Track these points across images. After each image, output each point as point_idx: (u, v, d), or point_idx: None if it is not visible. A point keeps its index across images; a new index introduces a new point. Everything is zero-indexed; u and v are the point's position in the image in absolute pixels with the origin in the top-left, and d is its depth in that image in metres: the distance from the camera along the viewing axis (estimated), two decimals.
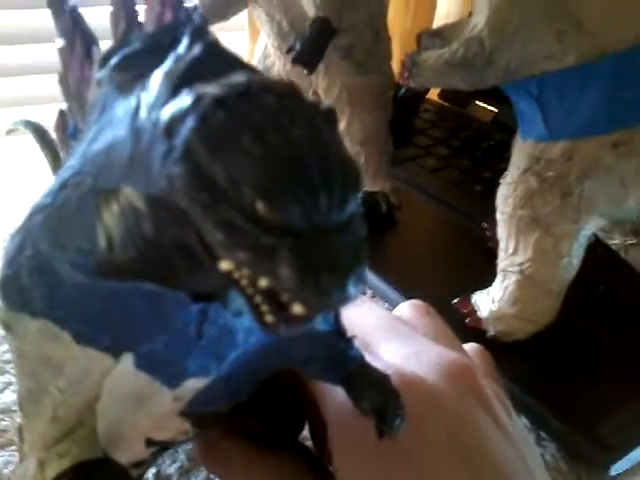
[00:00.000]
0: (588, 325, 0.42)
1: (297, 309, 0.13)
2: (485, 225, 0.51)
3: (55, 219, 0.18)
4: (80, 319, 0.19)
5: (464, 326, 0.41)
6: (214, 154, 0.13)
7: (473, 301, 0.42)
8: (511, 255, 0.39)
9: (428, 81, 0.40)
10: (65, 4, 0.21)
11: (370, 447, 0.22)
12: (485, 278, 0.43)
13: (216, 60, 0.16)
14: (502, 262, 0.40)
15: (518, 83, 0.37)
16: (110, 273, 0.17)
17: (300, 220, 0.13)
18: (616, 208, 0.37)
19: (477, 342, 0.31)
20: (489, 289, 0.42)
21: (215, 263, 0.14)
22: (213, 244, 0.14)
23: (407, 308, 0.31)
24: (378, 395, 0.21)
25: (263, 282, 0.14)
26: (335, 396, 0.23)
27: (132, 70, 0.17)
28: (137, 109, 0.16)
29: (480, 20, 0.35)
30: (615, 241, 0.41)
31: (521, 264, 0.39)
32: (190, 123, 0.14)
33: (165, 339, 0.18)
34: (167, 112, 0.14)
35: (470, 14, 0.39)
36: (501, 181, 0.40)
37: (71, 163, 0.18)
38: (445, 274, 0.48)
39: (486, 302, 0.41)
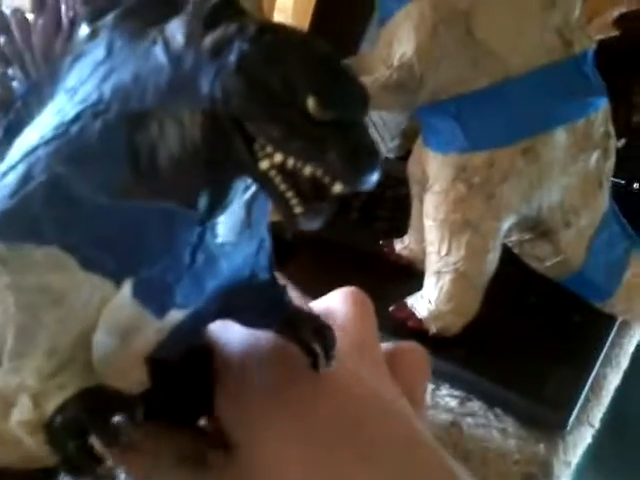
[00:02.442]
0: (510, 313, 0.48)
1: (338, 188, 0.17)
2: (382, 243, 0.56)
3: (73, 147, 0.19)
4: (90, 243, 0.19)
5: (407, 329, 0.45)
6: (268, 64, 0.17)
7: (409, 305, 0.46)
8: (444, 256, 0.44)
9: None
10: None
11: (255, 394, 0.24)
12: (401, 287, 0.48)
13: (231, 8, 0.19)
14: (435, 265, 0.45)
15: (437, 104, 0.42)
16: (131, 192, 0.19)
17: (342, 114, 0.17)
18: (525, 206, 0.44)
19: (421, 341, 0.31)
20: (422, 292, 0.46)
21: (256, 163, 0.17)
22: (267, 140, 0.17)
23: (336, 295, 0.30)
24: (316, 331, 0.23)
25: (308, 169, 0.17)
26: (225, 349, 0.25)
27: (140, 19, 0.20)
28: (166, 44, 0.19)
29: (407, 49, 0.40)
30: (513, 238, 0.48)
31: (455, 263, 0.43)
32: (240, 44, 0.17)
33: (164, 264, 0.20)
34: (211, 40, 0.18)
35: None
36: (425, 194, 0.45)
37: (71, 102, 0.20)
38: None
39: (422, 304, 0.45)
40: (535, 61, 0.41)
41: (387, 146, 0.76)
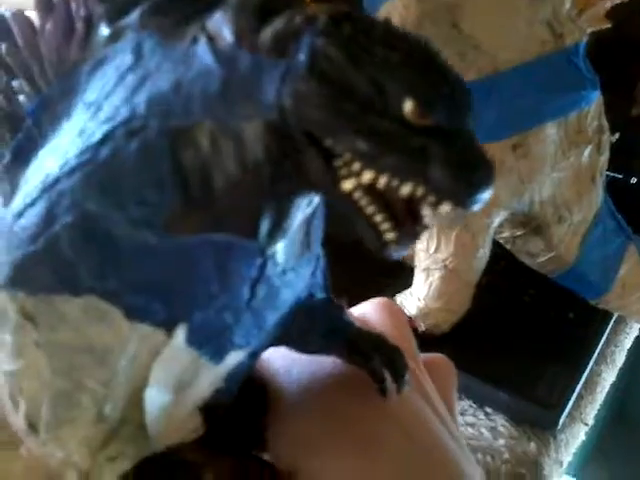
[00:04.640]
0: (502, 310, 0.48)
1: (445, 208, 0.14)
2: None
3: (104, 176, 0.16)
4: (134, 289, 0.16)
5: None
6: (350, 62, 0.14)
7: (399, 302, 0.45)
8: (433, 253, 0.43)
9: None
10: None
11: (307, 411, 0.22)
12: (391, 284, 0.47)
13: None
14: (423, 262, 0.44)
15: None
16: (181, 225, 0.16)
17: (445, 120, 0.14)
18: (516, 202, 0.43)
19: None
20: (411, 290, 0.45)
21: (336, 184, 0.14)
22: (353, 156, 0.14)
23: (368, 306, 0.31)
24: (384, 351, 0.21)
25: (406, 188, 0.14)
26: (280, 377, 0.23)
27: (172, 14, 0.17)
28: (211, 43, 0.15)
29: None
30: (505, 234, 0.48)
31: (444, 260, 0.43)
32: (311, 39, 0.14)
33: (220, 303, 0.17)
34: (271, 35, 0.15)
35: None
36: None
37: (95, 120, 0.17)
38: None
39: (412, 301, 0.44)
40: (525, 55, 0.40)
41: None
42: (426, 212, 0.14)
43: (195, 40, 0.16)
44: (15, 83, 0.21)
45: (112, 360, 0.17)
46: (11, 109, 0.21)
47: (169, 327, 0.17)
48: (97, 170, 0.16)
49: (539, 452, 0.38)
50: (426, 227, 0.15)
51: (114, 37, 0.18)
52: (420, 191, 0.14)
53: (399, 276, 0.48)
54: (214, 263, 0.16)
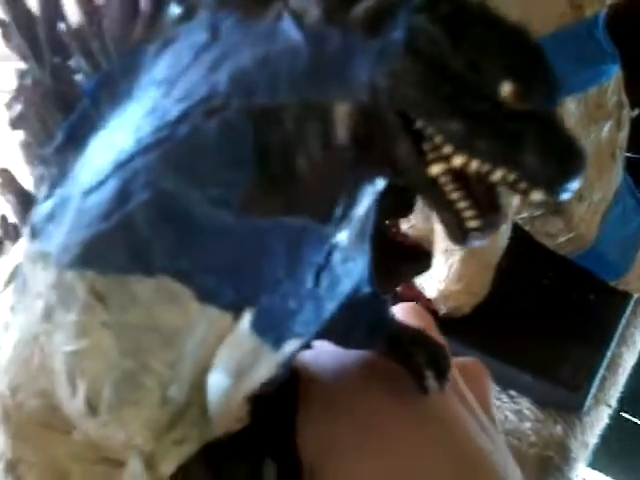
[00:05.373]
0: (522, 292, 0.47)
1: (537, 196, 0.14)
2: (387, 222, 0.54)
3: (182, 153, 0.16)
4: (207, 269, 0.16)
5: None
6: (449, 42, 0.13)
7: (419, 285, 0.44)
8: None
9: None
10: None
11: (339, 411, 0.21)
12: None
13: None
14: (442, 244, 0.43)
15: None
16: (257, 205, 0.16)
17: (542, 104, 0.13)
18: None
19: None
20: (430, 272, 0.44)
21: (423, 168, 0.14)
22: (447, 139, 0.14)
23: (398, 310, 0.31)
24: (427, 348, 0.21)
25: (498, 174, 0.14)
26: (313, 371, 0.22)
27: None
28: (298, 20, 0.15)
29: None
30: (524, 215, 0.47)
31: None
32: (408, 17, 0.14)
33: (285, 289, 0.17)
34: (363, 12, 0.14)
35: None
36: None
37: (169, 98, 0.16)
38: None
39: (432, 283, 0.44)
40: (545, 27, 0.39)
41: None
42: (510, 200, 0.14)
43: (279, 17, 0.15)
44: (72, 62, 0.20)
45: (179, 342, 0.16)
46: (63, 88, 0.20)
47: (236, 311, 0.16)
48: (174, 148, 0.16)
49: (565, 434, 0.38)
50: (506, 216, 0.14)
51: (186, 16, 0.17)
52: (512, 177, 0.13)
53: (418, 259, 0.47)
54: (286, 247, 0.16)
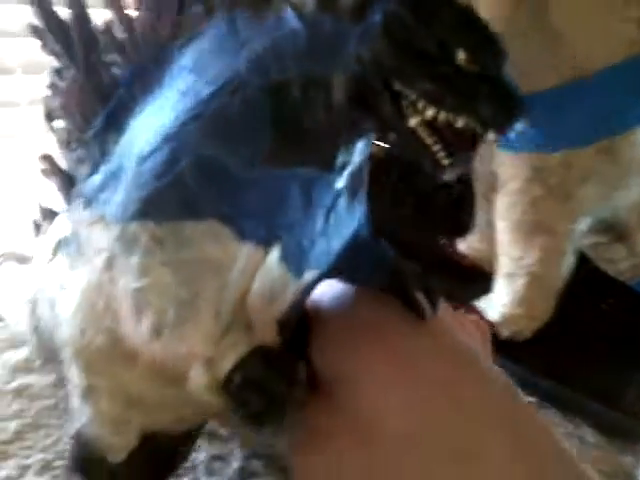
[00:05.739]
0: (583, 317, 0.47)
1: (491, 136, 0.18)
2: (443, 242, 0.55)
3: (215, 125, 0.20)
4: (243, 213, 0.20)
5: None
6: (418, 24, 0.17)
7: (480, 308, 0.44)
8: (517, 259, 0.42)
9: None
10: None
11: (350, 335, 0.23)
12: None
13: None
14: (506, 267, 0.43)
15: None
16: (274, 160, 0.20)
17: (490, 65, 0.17)
18: (602, 207, 0.42)
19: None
20: (492, 295, 0.44)
21: (403, 121, 0.18)
22: (420, 96, 0.17)
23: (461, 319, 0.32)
24: (423, 278, 0.23)
25: (461, 121, 0.17)
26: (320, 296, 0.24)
27: None
28: (296, 11, 0.19)
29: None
30: (587, 241, 0.47)
31: (529, 265, 0.42)
32: (383, 4, 0.17)
33: (304, 227, 0.20)
34: (350, 2, 0.18)
35: None
36: (495, 194, 0.43)
37: (200, 82, 0.20)
38: None
39: (494, 307, 0.44)
40: (613, 56, 0.39)
41: None
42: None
43: (281, 10, 0.19)
44: (108, 57, 0.24)
45: (225, 271, 0.20)
46: (98, 81, 0.24)
47: (267, 246, 0.20)
48: (209, 121, 0.20)
49: (633, 465, 0.37)
50: (476, 153, 0.18)
51: (206, 14, 0.21)
52: (471, 123, 0.17)
53: (476, 280, 0.47)
54: (300, 192, 0.20)
